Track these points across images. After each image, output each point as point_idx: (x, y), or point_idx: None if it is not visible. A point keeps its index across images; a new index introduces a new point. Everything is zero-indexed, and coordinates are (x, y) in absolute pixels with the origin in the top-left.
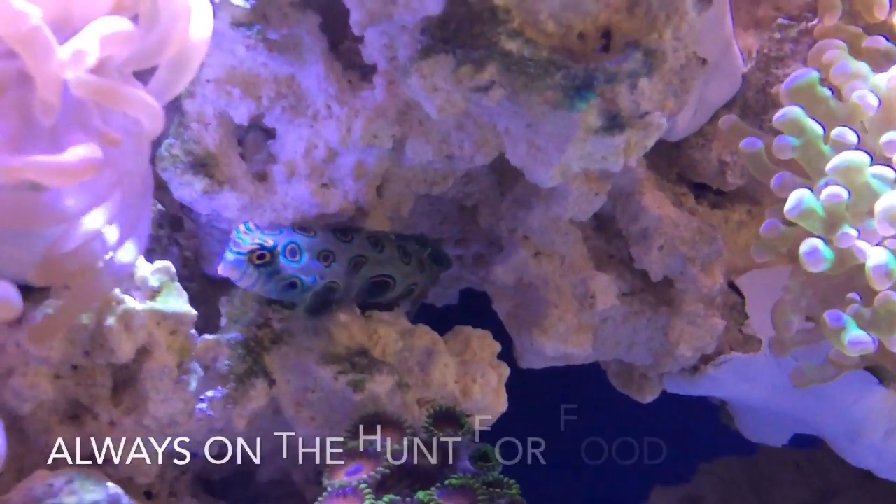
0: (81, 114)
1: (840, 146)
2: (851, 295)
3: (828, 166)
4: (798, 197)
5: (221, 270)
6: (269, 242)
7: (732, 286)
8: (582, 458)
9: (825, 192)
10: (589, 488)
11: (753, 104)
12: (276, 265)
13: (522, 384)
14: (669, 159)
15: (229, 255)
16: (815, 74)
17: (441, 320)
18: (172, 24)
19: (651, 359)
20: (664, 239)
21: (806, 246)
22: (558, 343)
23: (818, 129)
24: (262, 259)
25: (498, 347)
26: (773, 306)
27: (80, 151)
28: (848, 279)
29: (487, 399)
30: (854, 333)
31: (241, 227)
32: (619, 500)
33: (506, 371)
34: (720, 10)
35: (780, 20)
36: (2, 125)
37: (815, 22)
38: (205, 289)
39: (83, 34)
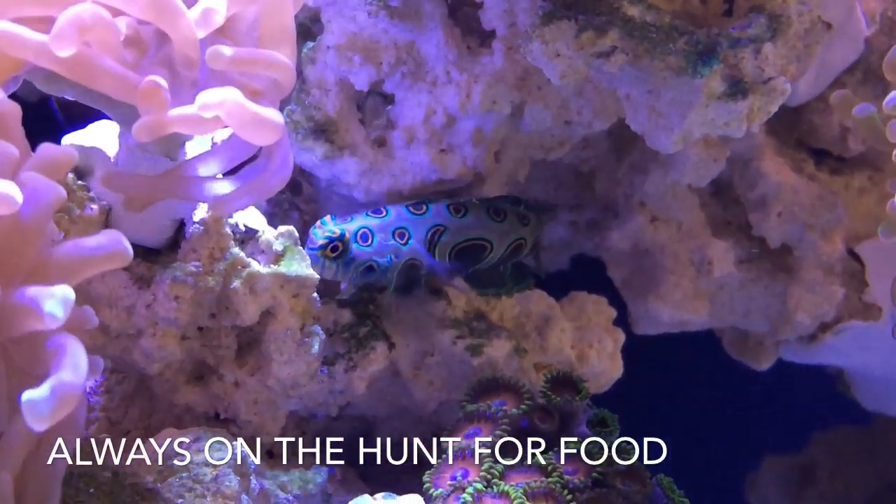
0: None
1: None
2: None
3: None
4: None
5: None
6: (338, 232)
7: (852, 253)
8: (695, 425)
9: None
10: (702, 455)
11: (877, 68)
12: (348, 254)
13: (637, 350)
14: (789, 124)
15: (308, 254)
16: None
17: (552, 286)
18: None
19: (768, 326)
20: (783, 205)
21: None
22: (674, 310)
23: None
24: (336, 251)
25: (613, 313)
26: (894, 281)
27: (219, 92)
28: None
29: (604, 364)
30: None
31: (318, 223)
32: (733, 467)
33: (621, 337)
34: None
35: None
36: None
37: None
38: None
39: None
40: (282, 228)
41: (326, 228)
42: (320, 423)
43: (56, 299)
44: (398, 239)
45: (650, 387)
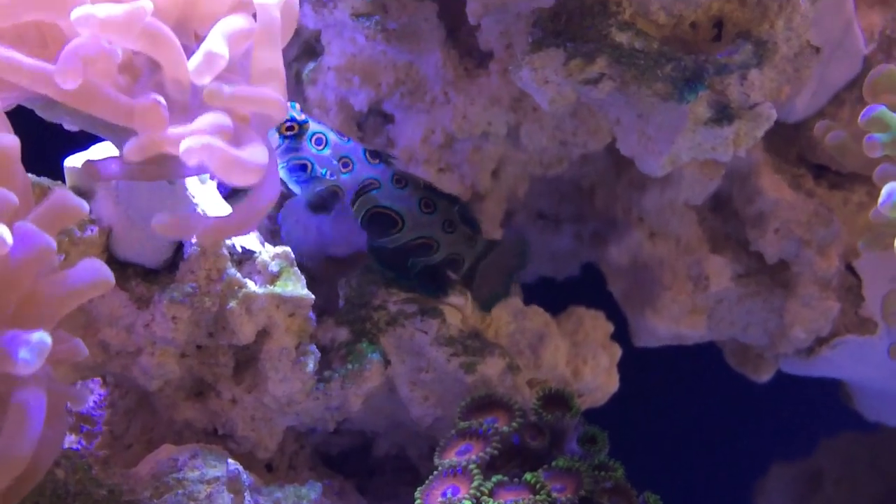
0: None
1: None
2: None
3: None
4: (889, 189)
5: None
6: (302, 118)
7: (850, 268)
8: (703, 432)
9: None
10: (710, 463)
11: None
12: (299, 141)
13: (639, 361)
14: (789, 140)
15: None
16: (892, 67)
17: (562, 293)
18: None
19: (766, 339)
20: (780, 222)
21: (885, 189)
22: (671, 324)
23: None
24: (291, 130)
25: (610, 328)
26: (884, 297)
27: (208, 119)
28: None
29: (598, 380)
30: None
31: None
32: (741, 474)
33: (617, 351)
34: None
35: None
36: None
37: None
38: (327, 269)
39: (211, 37)
40: (278, 249)
41: (294, 111)
42: (319, 437)
43: (30, 347)
44: (341, 165)
45: (657, 396)
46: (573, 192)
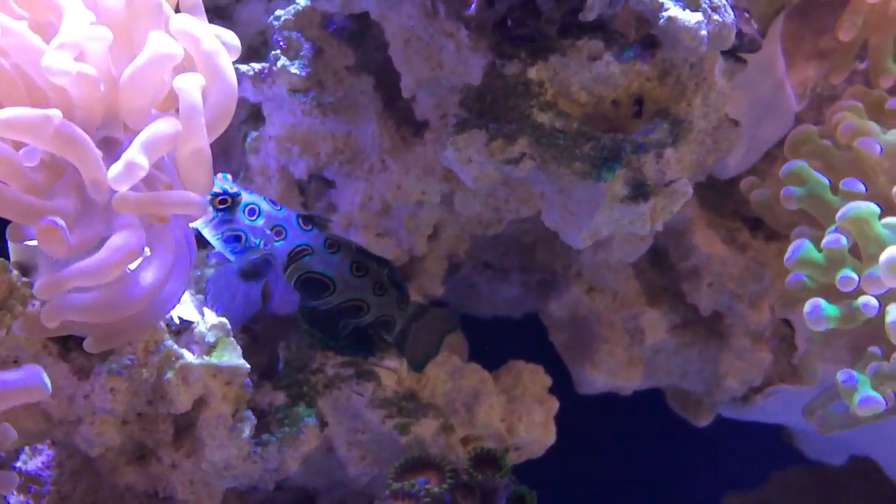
0: (133, 191)
1: (850, 196)
2: (872, 349)
3: (837, 215)
4: (795, 246)
5: None
6: (234, 191)
7: (784, 318)
8: (659, 462)
9: (825, 238)
10: (666, 490)
11: None
12: (231, 213)
13: (586, 405)
14: (724, 195)
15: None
16: (812, 128)
17: (517, 337)
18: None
19: (703, 387)
20: (713, 276)
21: (808, 306)
22: (608, 377)
23: (822, 180)
24: (224, 203)
25: (548, 381)
26: (800, 358)
27: (117, 241)
28: (876, 328)
29: (534, 434)
30: (865, 394)
31: (220, 176)
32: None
33: (554, 405)
34: (771, 54)
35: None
36: (64, 203)
37: (864, 65)
38: (270, 329)
39: (133, 146)
40: (214, 320)
41: (228, 183)
42: (261, 495)
43: None
44: (274, 233)
45: (609, 437)
46: (517, 246)
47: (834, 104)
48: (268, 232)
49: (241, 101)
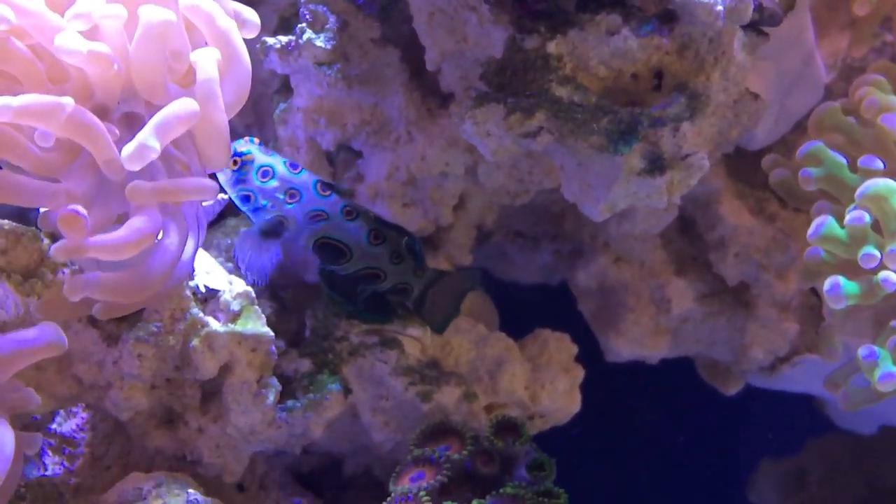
0: (149, 169)
1: (868, 173)
2: (893, 324)
3: (856, 192)
4: (818, 222)
5: None
6: (247, 151)
7: (813, 289)
8: (699, 425)
9: (848, 215)
10: (703, 457)
11: None
12: (244, 173)
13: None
14: (755, 165)
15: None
16: (836, 105)
17: (548, 306)
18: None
19: (731, 356)
20: (739, 247)
21: (827, 283)
22: (633, 346)
23: (839, 160)
24: (235, 164)
25: (574, 350)
26: (819, 331)
27: (137, 224)
28: None
29: (557, 402)
30: (886, 369)
31: (244, 138)
32: (735, 469)
33: (580, 373)
34: (800, 25)
35: None
36: (79, 183)
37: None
38: (299, 297)
39: (148, 127)
40: (239, 289)
41: (242, 144)
42: (289, 458)
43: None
44: (289, 197)
45: (644, 405)
46: (547, 215)
47: (858, 77)
48: (279, 195)
49: (272, 73)
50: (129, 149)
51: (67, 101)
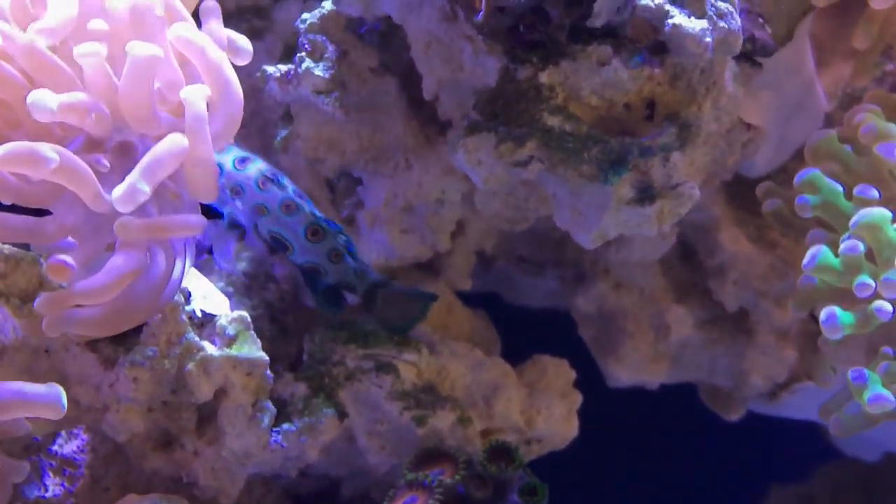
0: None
1: (863, 203)
2: (885, 350)
3: (850, 222)
4: (812, 252)
5: None
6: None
7: (812, 315)
8: (707, 450)
9: (842, 245)
10: (713, 483)
11: None
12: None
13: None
14: (755, 193)
15: None
16: (833, 133)
17: (559, 323)
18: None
19: (732, 382)
20: (738, 274)
21: (823, 314)
22: (633, 371)
23: (835, 188)
24: None
25: (572, 375)
26: (813, 361)
27: (117, 262)
28: (890, 329)
29: (554, 427)
30: (875, 392)
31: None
32: (742, 494)
33: (577, 398)
34: (800, 53)
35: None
36: (69, 214)
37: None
38: (299, 321)
39: (138, 168)
40: (234, 314)
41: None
42: (286, 481)
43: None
44: (233, 193)
45: (656, 430)
46: (550, 241)
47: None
48: (226, 191)
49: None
50: (119, 191)
51: (52, 155)
